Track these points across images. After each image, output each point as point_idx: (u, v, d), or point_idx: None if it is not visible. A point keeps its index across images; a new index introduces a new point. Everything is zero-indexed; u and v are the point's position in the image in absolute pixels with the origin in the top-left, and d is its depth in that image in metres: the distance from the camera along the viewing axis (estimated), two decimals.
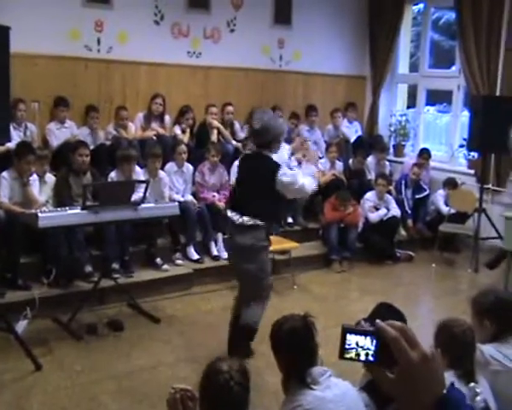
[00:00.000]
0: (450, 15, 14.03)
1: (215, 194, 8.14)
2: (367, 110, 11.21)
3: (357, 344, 1.20)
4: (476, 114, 8.29)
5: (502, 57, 9.06)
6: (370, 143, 10.31)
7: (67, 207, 6.00)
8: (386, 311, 3.35)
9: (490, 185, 9.26)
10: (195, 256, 7.67)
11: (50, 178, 7.07)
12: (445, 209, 9.22)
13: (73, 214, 5.83)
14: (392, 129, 11.07)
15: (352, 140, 10.28)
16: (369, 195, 8.91)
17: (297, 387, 2.96)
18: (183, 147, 8.03)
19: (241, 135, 9.17)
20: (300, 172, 5.28)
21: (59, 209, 5.96)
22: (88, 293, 6.38)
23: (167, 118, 8.75)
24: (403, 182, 9.54)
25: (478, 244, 8.55)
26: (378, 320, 1.18)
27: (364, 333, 1.20)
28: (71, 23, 8.19)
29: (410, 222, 9.39)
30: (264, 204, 5.12)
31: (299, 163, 8.23)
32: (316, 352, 3.10)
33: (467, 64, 9.43)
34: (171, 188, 7.85)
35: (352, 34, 10.88)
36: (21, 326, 5.68)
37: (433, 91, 11.54)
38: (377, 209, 8.87)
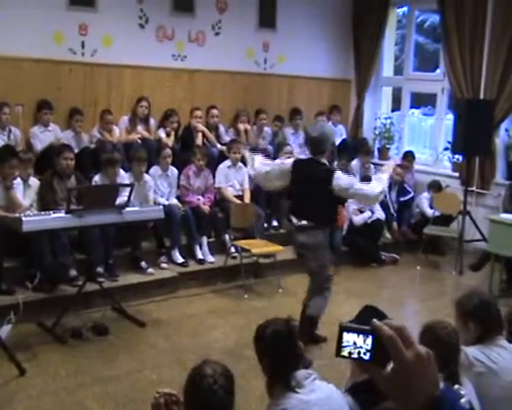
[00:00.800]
0: (435, 18, 14.09)
1: (200, 197, 8.13)
2: (351, 113, 11.24)
3: (353, 343, 1.21)
4: (460, 117, 8.33)
5: (485, 60, 9.11)
6: (355, 146, 10.33)
7: (51, 211, 5.97)
8: (371, 314, 3.35)
9: (474, 188, 9.32)
10: (180, 260, 7.66)
11: (34, 181, 7.03)
12: (429, 212, 9.26)
13: (57, 218, 5.80)
14: (377, 132, 11.11)
15: (337, 143, 10.29)
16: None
17: (281, 390, 2.96)
18: (168, 151, 8.01)
19: (226, 138, 9.17)
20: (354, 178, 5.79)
21: (43, 213, 5.93)
22: (72, 297, 6.36)
23: (152, 121, 8.73)
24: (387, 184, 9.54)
25: (462, 247, 8.58)
26: (375, 319, 1.19)
27: (361, 332, 1.21)
28: (55, 26, 8.15)
29: (394, 225, 9.42)
30: (320, 207, 5.54)
31: None
32: (300, 355, 3.10)
33: (451, 67, 9.49)
34: (156, 191, 7.84)
35: (337, 37, 10.91)
36: (5, 331, 5.63)
37: (417, 94, 11.60)
38: (362, 212, 8.90)
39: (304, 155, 9.80)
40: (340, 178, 5.51)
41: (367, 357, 1.20)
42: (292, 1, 10.19)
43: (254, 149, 9.08)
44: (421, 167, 10.28)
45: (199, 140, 8.79)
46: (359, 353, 1.21)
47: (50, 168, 7.06)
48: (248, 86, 9.97)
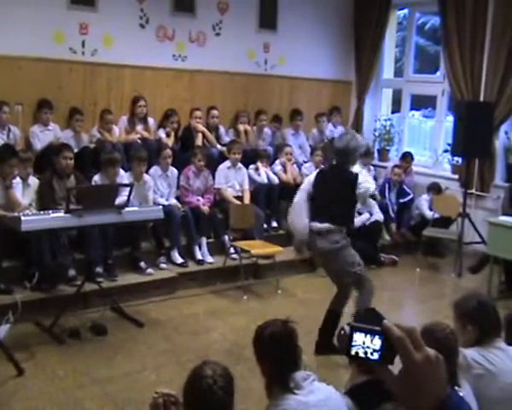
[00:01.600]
0: (436, 20, 14.10)
1: (199, 198, 8.13)
2: (352, 115, 11.24)
3: (363, 342, 1.22)
4: (460, 120, 8.33)
5: (485, 63, 9.12)
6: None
7: (51, 211, 5.96)
8: (370, 315, 3.35)
9: (473, 190, 9.32)
10: (180, 260, 7.66)
11: (34, 181, 7.03)
12: (429, 214, 9.26)
13: (57, 218, 5.79)
14: (377, 134, 11.11)
15: None
16: None
17: (280, 392, 2.96)
18: (169, 151, 8.01)
19: (226, 139, 9.17)
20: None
21: (42, 213, 5.92)
22: (71, 297, 6.35)
23: (151, 120, 8.72)
24: (386, 186, 9.57)
25: (461, 249, 8.58)
26: (385, 320, 1.20)
27: (370, 332, 1.22)
28: (55, 26, 8.15)
29: (393, 226, 9.43)
30: (342, 209, 5.69)
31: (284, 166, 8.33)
32: (298, 357, 3.09)
33: (451, 69, 9.49)
34: (156, 191, 7.83)
35: (337, 39, 10.91)
36: (3, 331, 5.63)
37: (417, 96, 11.60)
38: (360, 214, 8.89)
39: (304, 156, 9.88)
40: (366, 181, 5.72)
41: (374, 357, 1.21)
42: (293, 2, 10.20)
43: (254, 151, 9.13)
44: (421, 169, 10.28)
45: (199, 141, 8.79)
46: (366, 353, 1.22)
47: (50, 168, 7.06)
48: (249, 87, 9.97)
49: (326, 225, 5.64)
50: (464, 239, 8.69)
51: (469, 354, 3.49)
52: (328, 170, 5.94)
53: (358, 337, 1.23)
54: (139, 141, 8.35)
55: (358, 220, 8.84)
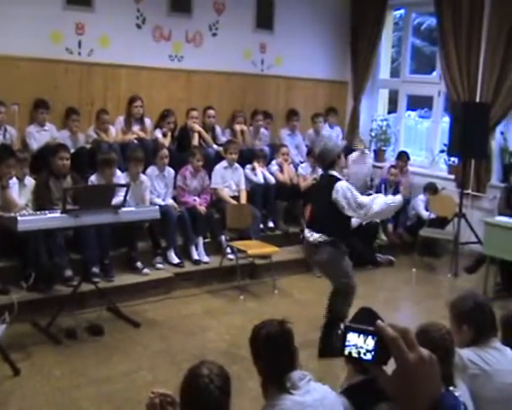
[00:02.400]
0: (432, 21, 14.12)
1: (196, 198, 8.13)
2: (348, 115, 11.25)
3: (356, 343, 1.22)
4: (456, 120, 8.35)
5: (481, 63, 9.13)
6: (351, 147, 10.33)
7: (47, 211, 5.96)
8: (367, 315, 3.36)
9: (470, 191, 9.33)
10: (176, 260, 7.65)
11: (30, 181, 7.02)
12: (425, 214, 9.28)
13: (53, 218, 5.79)
14: (373, 134, 11.12)
15: None
16: None
17: (276, 392, 2.96)
18: (165, 151, 8.01)
19: (223, 139, 9.18)
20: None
21: (38, 213, 5.92)
22: (67, 297, 6.35)
23: (148, 121, 8.72)
24: (382, 186, 9.57)
25: (458, 249, 8.60)
26: (379, 321, 1.20)
27: (364, 332, 1.22)
28: (52, 25, 8.15)
29: (390, 227, 9.44)
30: (330, 219, 5.64)
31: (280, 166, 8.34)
32: (295, 357, 3.10)
33: (447, 70, 9.51)
34: (152, 192, 7.83)
35: (334, 39, 10.92)
36: None
37: (414, 97, 11.61)
38: None
39: (300, 156, 9.89)
40: (338, 191, 5.57)
41: (367, 357, 1.21)
42: (289, 2, 10.20)
43: (251, 151, 9.14)
44: (417, 170, 10.29)
45: (195, 141, 8.79)
46: (359, 353, 1.22)
47: (46, 168, 7.05)
48: (245, 87, 9.97)
49: (317, 236, 5.68)
50: (460, 239, 8.70)
51: (465, 354, 3.50)
52: (320, 179, 5.97)
53: (352, 337, 1.23)
54: (136, 141, 8.34)
55: (355, 220, 8.84)
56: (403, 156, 10.00)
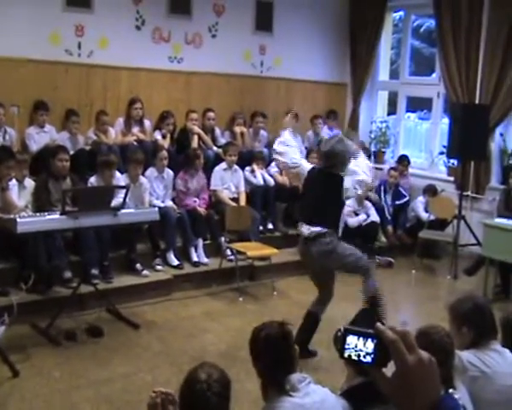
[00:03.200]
0: (431, 23, 14.12)
1: (196, 199, 8.12)
2: (347, 117, 11.25)
3: (355, 345, 1.23)
4: (455, 122, 8.35)
5: (481, 65, 9.14)
6: None
7: (46, 213, 5.97)
8: (368, 316, 3.36)
9: (469, 192, 9.33)
10: (175, 262, 7.65)
11: (29, 182, 7.02)
12: (424, 216, 9.28)
13: (52, 220, 5.80)
14: (373, 136, 11.13)
15: None
16: (349, 200, 8.93)
17: (276, 394, 2.96)
18: (165, 152, 8.01)
19: (222, 141, 9.18)
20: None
21: (38, 214, 5.93)
22: (67, 299, 6.34)
23: (147, 122, 8.72)
24: (382, 188, 9.58)
25: (457, 251, 8.60)
26: (378, 323, 1.20)
27: (363, 335, 1.22)
28: (51, 27, 8.15)
29: (389, 228, 9.44)
30: (328, 213, 5.63)
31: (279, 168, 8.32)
32: (294, 359, 3.09)
33: (446, 72, 9.51)
34: (152, 193, 7.83)
35: (333, 41, 10.93)
36: None
37: (413, 98, 11.61)
38: (357, 215, 8.91)
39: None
40: (346, 182, 5.63)
41: (367, 360, 1.21)
42: (289, 4, 10.20)
43: (250, 153, 9.14)
44: (417, 171, 10.29)
45: (195, 143, 8.79)
46: (359, 356, 1.22)
47: (45, 169, 7.05)
48: (245, 89, 9.97)
49: (313, 230, 5.62)
50: (460, 241, 8.70)
51: (465, 356, 3.50)
52: (316, 172, 5.83)
53: (351, 340, 1.23)
54: (135, 143, 8.35)
55: (355, 220, 8.86)
56: (403, 160, 10.00)
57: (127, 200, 6.38)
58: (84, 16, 8.38)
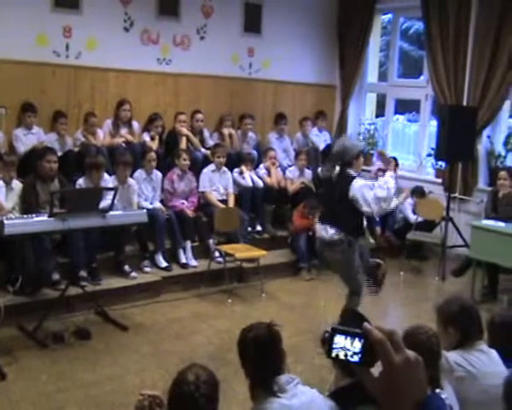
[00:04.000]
0: (420, 25, 14.19)
1: (184, 201, 8.12)
2: (336, 119, 11.27)
3: (343, 345, 1.22)
4: (443, 124, 8.38)
5: (468, 68, 9.18)
6: None
7: (34, 215, 5.95)
8: (352, 316, 3.37)
9: (457, 194, 9.37)
10: (164, 264, 7.65)
11: (17, 184, 6.98)
12: (412, 218, 9.31)
13: (40, 222, 5.78)
14: (361, 138, 11.14)
15: (321, 149, 10.33)
16: None
17: (264, 395, 2.96)
18: (153, 154, 8.00)
19: (211, 142, 9.17)
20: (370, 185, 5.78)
21: (25, 216, 5.91)
22: (55, 301, 6.32)
23: (136, 124, 8.70)
24: None
25: (445, 252, 8.63)
26: (366, 323, 1.20)
27: (351, 334, 1.22)
28: (39, 28, 8.12)
29: (378, 230, 9.45)
30: (343, 215, 5.75)
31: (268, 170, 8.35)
32: (282, 360, 3.10)
33: (434, 74, 9.55)
34: (140, 195, 7.82)
35: (322, 43, 10.95)
36: None
37: (402, 100, 11.66)
38: None
39: (288, 160, 9.90)
40: (355, 189, 5.67)
41: (354, 359, 1.21)
42: (277, 6, 10.22)
43: (239, 154, 9.14)
44: (405, 173, 10.31)
45: (183, 144, 8.78)
46: (346, 355, 1.22)
47: (33, 171, 7.02)
48: (233, 91, 9.97)
49: (332, 233, 5.77)
50: (448, 243, 8.73)
51: (452, 356, 3.52)
52: (335, 176, 5.95)
53: (339, 340, 1.23)
54: (123, 145, 8.33)
55: None
56: (383, 171, 10.02)
57: (115, 202, 6.37)
58: (71, 17, 8.36)
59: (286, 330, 3.33)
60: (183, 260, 7.82)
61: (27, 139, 7.88)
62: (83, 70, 8.54)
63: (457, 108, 8.91)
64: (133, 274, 7.31)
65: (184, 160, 8.13)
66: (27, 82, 8.07)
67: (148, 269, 7.54)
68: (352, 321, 1.28)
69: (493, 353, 3.61)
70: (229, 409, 4.47)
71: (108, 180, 7.40)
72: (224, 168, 8.57)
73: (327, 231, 5.82)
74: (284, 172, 9.40)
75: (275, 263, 8.33)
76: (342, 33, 10.99)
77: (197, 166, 8.53)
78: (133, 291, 7.14)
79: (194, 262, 7.87)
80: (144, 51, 9.03)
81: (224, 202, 8.46)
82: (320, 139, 10.41)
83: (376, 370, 1.20)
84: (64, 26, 8.33)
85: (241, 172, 8.80)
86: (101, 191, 6.66)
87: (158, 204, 7.98)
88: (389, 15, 11.88)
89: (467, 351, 3.57)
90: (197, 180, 8.38)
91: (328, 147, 10.29)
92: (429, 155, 10.06)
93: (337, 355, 1.23)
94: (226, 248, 7.75)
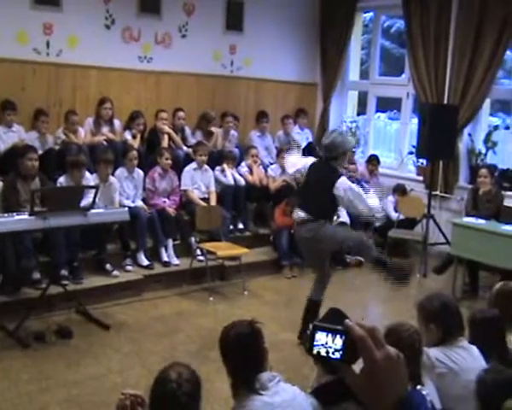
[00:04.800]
0: (401, 23, 14.24)
1: (165, 200, 8.10)
2: (318, 116, 11.29)
3: (325, 342, 1.23)
4: (424, 122, 8.42)
5: (449, 66, 9.23)
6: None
7: (15, 213, 5.90)
8: (335, 316, 3.38)
9: (438, 192, 9.42)
10: (146, 262, 7.63)
11: None
12: (394, 215, 9.35)
13: (21, 220, 5.74)
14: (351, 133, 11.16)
15: (303, 146, 10.33)
16: None
17: (245, 393, 2.96)
18: (134, 152, 7.98)
19: (192, 140, 9.15)
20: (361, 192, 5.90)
21: (6, 215, 5.85)
22: (36, 300, 6.28)
23: (117, 122, 8.66)
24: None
25: (426, 250, 8.68)
26: (347, 320, 1.21)
27: (332, 331, 1.22)
28: (19, 25, 8.05)
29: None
30: (322, 205, 5.89)
31: (250, 168, 8.38)
32: (264, 358, 3.10)
33: (415, 72, 9.60)
34: (122, 193, 7.79)
35: (304, 41, 10.96)
36: None
37: (383, 98, 11.69)
38: None
39: (270, 158, 9.90)
40: (338, 188, 5.76)
41: (336, 356, 1.22)
42: (259, 4, 10.22)
43: (220, 152, 9.13)
44: (386, 171, 10.36)
45: (165, 142, 8.75)
46: (327, 352, 1.22)
47: (14, 169, 6.97)
48: (215, 89, 9.96)
49: (304, 216, 5.89)
50: (429, 240, 8.79)
51: (433, 353, 3.54)
52: (316, 163, 6.11)
53: (320, 337, 1.23)
54: (105, 143, 8.29)
55: None
56: (373, 160, 10.07)
57: (97, 200, 6.35)
58: (52, 15, 8.30)
59: (268, 327, 3.33)
60: (165, 259, 7.80)
61: (7, 137, 7.82)
62: (64, 68, 8.49)
63: (438, 107, 8.96)
64: (115, 273, 7.28)
65: (166, 159, 8.13)
66: (7, 80, 8.01)
67: (129, 267, 7.51)
68: (333, 319, 1.28)
69: (474, 349, 3.64)
70: (211, 407, 4.47)
71: (90, 178, 7.36)
72: (206, 166, 8.56)
73: (301, 213, 5.96)
74: (266, 170, 9.40)
75: (257, 261, 8.34)
76: (324, 31, 11.00)
77: (179, 165, 8.51)
78: (115, 290, 7.12)
79: (176, 260, 7.86)
80: (126, 49, 8.99)
81: (206, 200, 8.45)
82: (302, 137, 10.42)
83: (358, 366, 1.20)
84: (44, 24, 8.27)
85: (222, 170, 8.79)
86: (83, 190, 6.63)
87: (140, 202, 7.96)
88: (371, 14, 11.92)
89: (448, 347, 3.59)
90: (179, 178, 8.36)
91: (310, 145, 10.32)
92: (410, 153, 10.11)
93: (318, 352, 1.23)
94: (208, 246, 7.75)
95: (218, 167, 8.80)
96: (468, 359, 3.55)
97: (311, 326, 1.27)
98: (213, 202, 8.47)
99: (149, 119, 8.91)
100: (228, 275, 8.03)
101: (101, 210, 6.44)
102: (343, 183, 5.80)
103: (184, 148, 9.00)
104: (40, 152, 7.45)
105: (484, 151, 9.37)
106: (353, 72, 11.45)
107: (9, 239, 6.40)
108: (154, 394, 2.72)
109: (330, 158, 5.93)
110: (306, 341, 1.27)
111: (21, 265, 6.56)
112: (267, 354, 3.14)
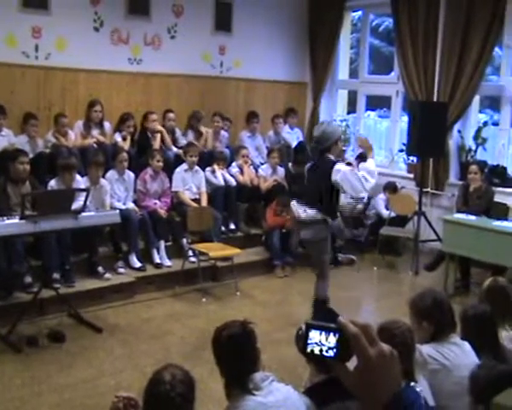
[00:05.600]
0: (390, 22, 14.26)
1: (157, 201, 8.09)
2: (308, 116, 11.30)
3: (318, 340, 1.23)
4: (414, 120, 8.45)
5: (438, 64, 9.26)
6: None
7: (5, 217, 5.88)
8: (327, 314, 3.38)
9: (429, 189, 9.45)
10: (138, 264, 7.61)
11: None
12: (385, 213, 9.36)
13: (12, 224, 5.72)
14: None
15: (293, 146, 10.35)
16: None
17: (239, 393, 2.97)
18: (125, 154, 7.96)
19: (183, 142, 9.14)
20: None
21: None
22: (27, 304, 6.26)
23: (107, 125, 8.64)
24: None
25: (418, 247, 8.69)
26: (340, 317, 1.21)
27: (325, 329, 1.23)
28: (7, 29, 8.03)
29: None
30: (324, 198, 5.98)
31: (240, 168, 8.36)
32: (257, 358, 3.10)
33: (405, 70, 9.62)
34: (113, 196, 7.77)
35: (293, 41, 10.97)
36: None
37: (373, 97, 11.71)
38: None
39: (260, 158, 9.91)
40: (335, 172, 5.89)
41: (329, 354, 1.22)
42: (248, 5, 10.22)
43: (211, 153, 9.12)
44: (377, 169, 10.33)
45: (156, 143, 8.73)
46: (321, 350, 1.22)
47: (4, 173, 6.94)
48: (205, 90, 9.95)
49: (307, 216, 5.99)
50: (420, 237, 8.80)
51: (425, 350, 3.55)
52: (317, 162, 6.17)
53: (314, 335, 1.23)
54: (95, 145, 8.27)
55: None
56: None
57: (88, 203, 6.33)
58: (40, 18, 8.27)
59: (260, 327, 3.33)
60: (157, 260, 7.79)
61: None
62: (53, 71, 8.47)
63: (428, 104, 8.99)
64: (107, 275, 7.27)
65: (158, 161, 8.11)
66: None
67: (121, 270, 7.50)
68: (325, 317, 1.28)
69: (466, 345, 3.65)
70: (205, 408, 4.46)
71: (80, 181, 7.34)
72: (197, 167, 8.55)
73: (305, 211, 6.02)
74: (257, 170, 9.40)
75: (249, 261, 8.33)
76: (313, 31, 11.02)
77: (169, 166, 8.50)
78: (107, 292, 7.10)
79: (167, 262, 7.85)
80: (115, 51, 8.98)
81: (197, 201, 8.44)
82: (292, 136, 10.42)
83: (351, 364, 1.20)
84: (33, 27, 8.25)
85: (213, 171, 8.78)
86: (74, 193, 6.61)
87: (131, 204, 7.94)
88: (359, 13, 11.94)
89: (440, 344, 3.61)
90: (170, 180, 8.35)
91: (300, 144, 10.33)
92: (401, 151, 10.14)
93: (312, 351, 1.23)
94: (200, 247, 7.74)
95: (208, 168, 8.80)
96: (460, 355, 3.57)
97: (303, 325, 1.27)
98: (204, 202, 8.46)
99: (139, 121, 8.89)
100: (220, 276, 8.03)
101: (92, 213, 6.44)
102: (339, 167, 5.94)
103: (174, 149, 8.99)
104: (30, 156, 7.41)
105: (474, 148, 9.40)
106: (343, 71, 11.47)
107: (0, 243, 6.37)
108: (147, 395, 2.72)
109: (324, 150, 6.02)
110: (300, 340, 1.27)
111: (13, 269, 6.54)
112: (260, 354, 3.15)
